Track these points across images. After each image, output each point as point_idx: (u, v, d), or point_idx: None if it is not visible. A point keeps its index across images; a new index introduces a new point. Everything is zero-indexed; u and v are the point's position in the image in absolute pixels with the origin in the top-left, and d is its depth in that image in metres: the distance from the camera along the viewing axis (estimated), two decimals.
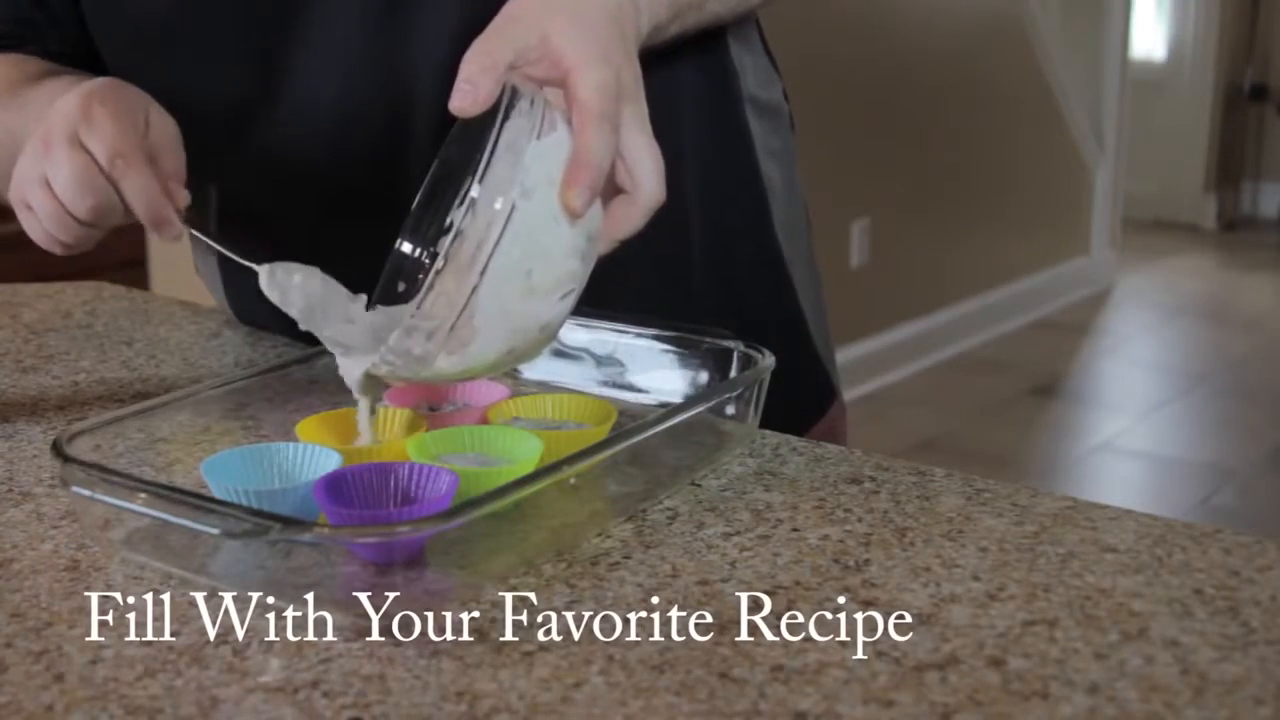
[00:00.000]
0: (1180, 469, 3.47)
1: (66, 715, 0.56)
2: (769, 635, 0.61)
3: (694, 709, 0.56)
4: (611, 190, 0.73)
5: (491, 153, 0.67)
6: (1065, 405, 3.98)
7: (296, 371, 0.85)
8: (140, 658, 0.61)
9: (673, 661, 0.59)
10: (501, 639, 0.61)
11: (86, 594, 0.66)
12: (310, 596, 0.65)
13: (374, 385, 0.75)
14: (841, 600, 0.64)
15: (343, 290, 0.80)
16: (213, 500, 0.67)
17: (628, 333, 0.89)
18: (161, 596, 0.66)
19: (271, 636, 0.62)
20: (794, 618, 0.63)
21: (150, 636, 0.62)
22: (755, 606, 0.64)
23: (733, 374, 0.84)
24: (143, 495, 0.65)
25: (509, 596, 0.65)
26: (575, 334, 0.90)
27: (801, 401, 1.04)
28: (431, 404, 0.84)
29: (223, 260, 1.07)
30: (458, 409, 0.83)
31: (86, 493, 0.67)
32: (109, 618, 0.64)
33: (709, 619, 0.63)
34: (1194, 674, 0.58)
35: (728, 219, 1.01)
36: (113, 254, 2.62)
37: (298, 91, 0.92)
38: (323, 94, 0.92)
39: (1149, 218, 5.93)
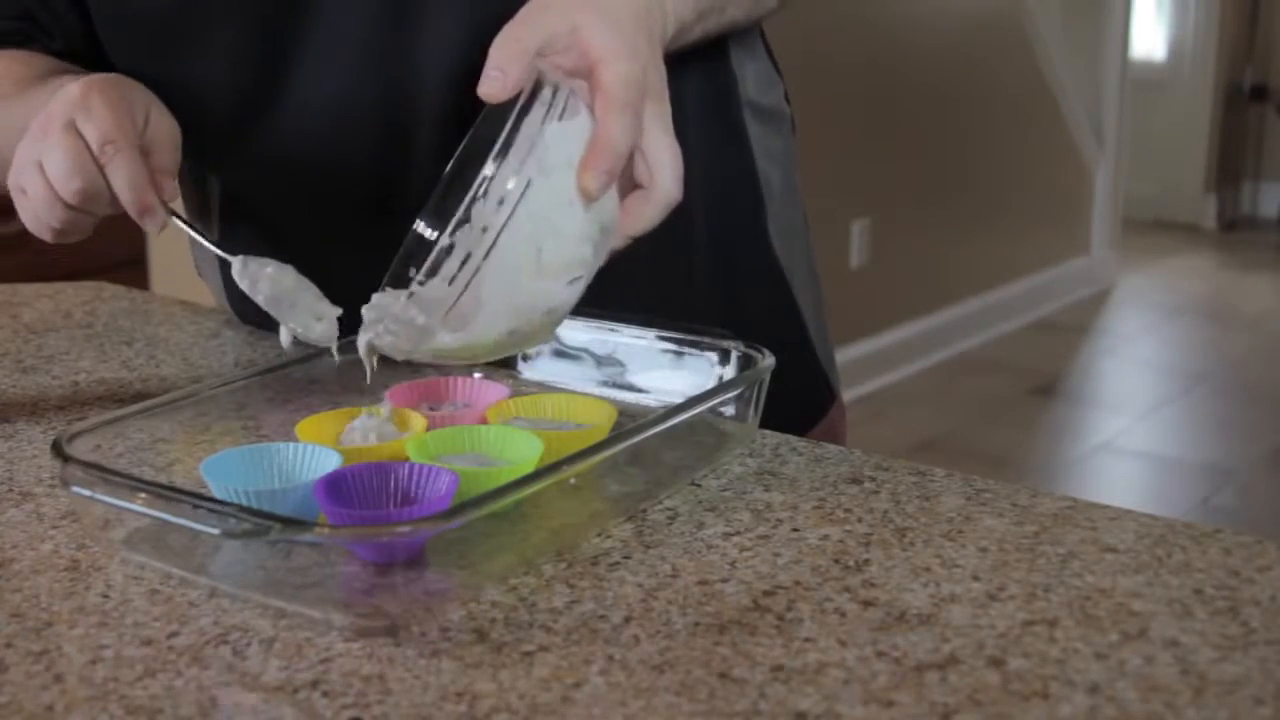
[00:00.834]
0: (1180, 469, 3.47)
1: (66, 715, 0.56)
2: (769, 635, 0.61)
3: (694, 709, 0.56)
4: (629, 188, 0.74)
5: (512, 131, 0.67)
6: (1065, 405, 3.98)
7: (296, 371, 0.85)
8: (140, 658, 0.61)
9: (673, 661, 0.59)
10: (501, 639, 0.61)
11: (86, 594, 0.66)
12: (310, 596, 0.65)
13: (373, 355, 0.76)
14: (841, 600, 0.64)
15: (315, 290, 0.82)
16: (213, 500, 0.67)
17: (628, 333, 0.89)
18: (161, 597, 0.66)
19: (271, 636, 0.62)
20: (794, 618, 0.63)
21: (150, 636, 0.62)
22: (755, 606, 0.64)
23: (733, 374, 0.84)
24: (143, 495, 0.65)
25: (509, 597, 0.65)
26: (575, 334, 0.90)
27: (801, 402, 1.04)
28: (431, 404, 0.84)
29: (223, 260, 1.07)
30: (458, 409, 0.83)
31: (86, 493, 0.67)
32: (109, 618, 0.64)
33: (709, 619, 0.63)
34: (1194, 674, 0.58)
35: (726, 220, 1.01)
36: (113, 254, 2.63)
37: (300, 91, 0.92)
38: (325, 94, 0.92)
39: (1149, 218, 5.93)
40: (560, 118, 0.69)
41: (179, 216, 0.85)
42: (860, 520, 0.73)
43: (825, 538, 0.71)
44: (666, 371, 0.88)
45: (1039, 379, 4.10)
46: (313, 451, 0.74)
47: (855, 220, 3.88)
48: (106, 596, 0.66)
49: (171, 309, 1.18)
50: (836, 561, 0.68)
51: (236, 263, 0.83)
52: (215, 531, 0.63)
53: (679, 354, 0.87)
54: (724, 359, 0.85)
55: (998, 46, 4.36)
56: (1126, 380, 4.21)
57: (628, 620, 0.63)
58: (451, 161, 0.75)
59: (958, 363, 4.21)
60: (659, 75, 0.75)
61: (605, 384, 0.89)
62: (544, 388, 0.89)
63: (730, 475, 0.79)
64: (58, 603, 0.66)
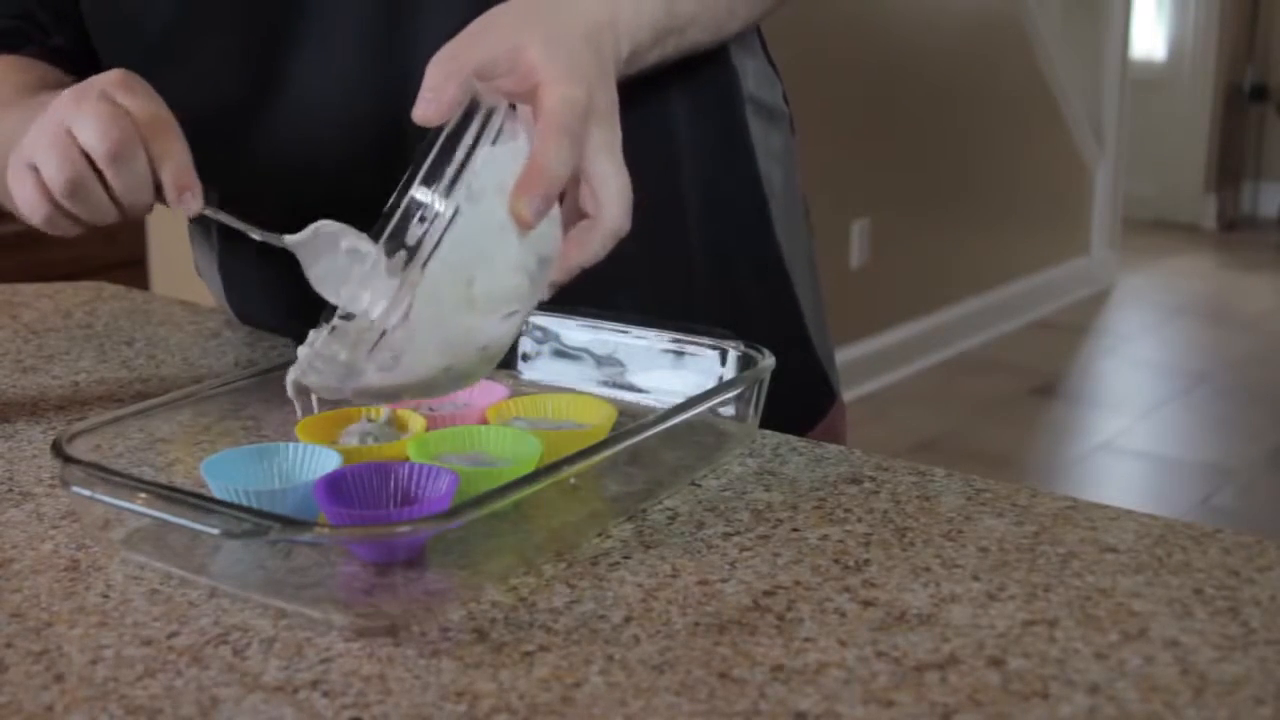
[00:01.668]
0: (1180, 469, 3.47)
1: (66, 715, 0.56)
2: (769, 635, 0.61)
3: (694, 709, 0.56)
4: (576, 218, 0.72)
5: (441, 154, 0.65)
6: (1065, 405, 3.98)
7: None
8: (140, 658, 0.61)
9: (673, 661, 0.59)
10: (501, 639, 0.61)
11: (86, 594, 0.66)
12: (310, 596, 0.65)
13: (304, 394, 0.73)
14: (841, 600, 0.64)
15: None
16: (213, 500, 0.67)
17: (628, 333, 0.89)
18: (161, 596, 0.66)
19: (271, 636, 0.62)
20: (794, 618, 0.63)
21: (150, 636, 0.62)
22: (755, 606, 0.64)
23: (733, 374, 0.84)
24: (143, 495, 0.65)
25: (509, 597, 0.65)
26: (575, 334, 0.90)
27: (801, 402, 1.04)
28: (431, 404, 0.84)
29: (223, 260, 1.08)
30: (458, 409, 0.83)
31: (86, 493, 0.67)
32: (109, 618, 0.64)
33: (709, 619, 0.63)
34: (1194, 674, 0.58)
35: (727, 220, 1.01)
36: (113, 254, 2.63)
37: (295, 99, 0.92)
38: (321, 102, 0.92)
39: (1149, 218, 5.93)
40: (495, 141, 0.65)
41: (213, 209, 0.80)
42: (860, 520, 0.73)
43: (825, 538, 0.71)
44: (666, 371, 0.87)
45: (1039, 379, 4.10)
46: (313, 451, 0.74)
47: (855, 220, 3.88)
48: (106, 596, 0.66)
49: (171, 309, 1.18)
50: (836, 561, 0.68)
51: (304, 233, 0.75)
52: (215, 531, 0.63)
53: (679, 354, 0.87)
54: (724, 359, 0.85)
55: (997, 46, 4.36)
56: (1126, 380, 4.21)
57: (628, 620, 0.63)
58: (398, 189, 0.72)
59: (958, 363, 4.21)
60: (608, 99, 0.73)
61: (605, 384, 0.89)
62: (544, 388, 0.89)
63: (730, 475, 0.79)
64: (58, 603, 0.66)
